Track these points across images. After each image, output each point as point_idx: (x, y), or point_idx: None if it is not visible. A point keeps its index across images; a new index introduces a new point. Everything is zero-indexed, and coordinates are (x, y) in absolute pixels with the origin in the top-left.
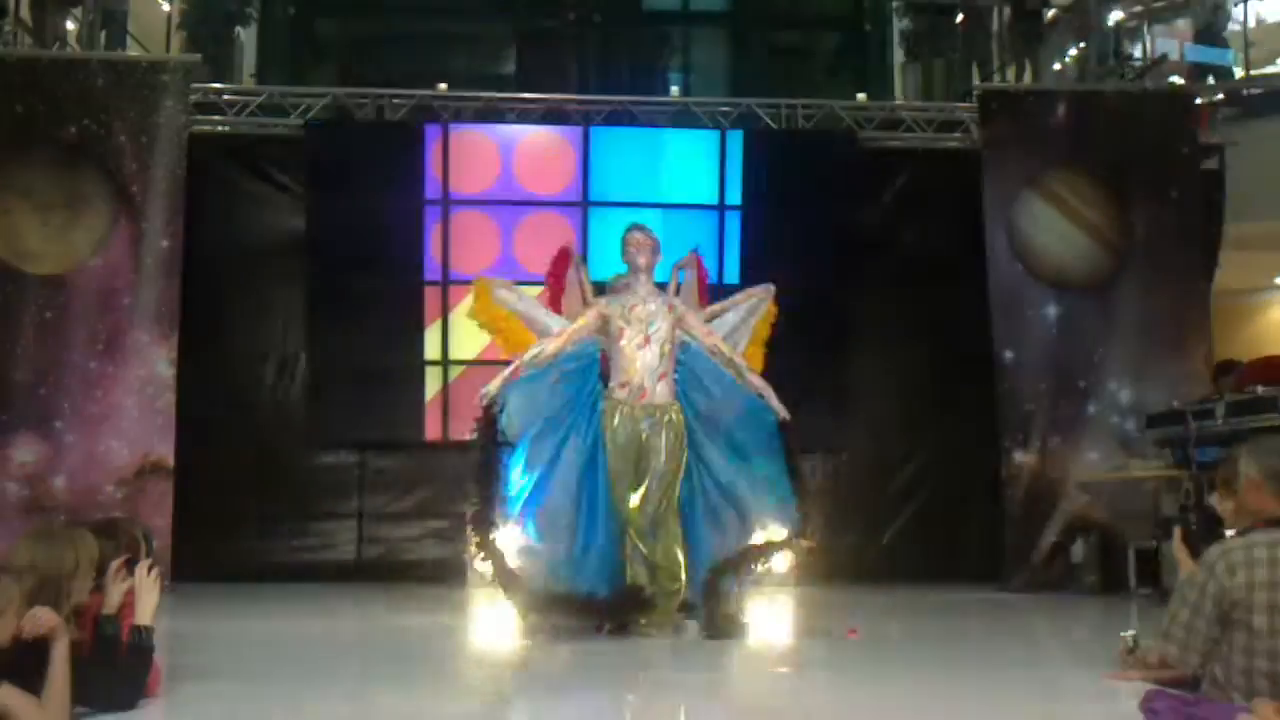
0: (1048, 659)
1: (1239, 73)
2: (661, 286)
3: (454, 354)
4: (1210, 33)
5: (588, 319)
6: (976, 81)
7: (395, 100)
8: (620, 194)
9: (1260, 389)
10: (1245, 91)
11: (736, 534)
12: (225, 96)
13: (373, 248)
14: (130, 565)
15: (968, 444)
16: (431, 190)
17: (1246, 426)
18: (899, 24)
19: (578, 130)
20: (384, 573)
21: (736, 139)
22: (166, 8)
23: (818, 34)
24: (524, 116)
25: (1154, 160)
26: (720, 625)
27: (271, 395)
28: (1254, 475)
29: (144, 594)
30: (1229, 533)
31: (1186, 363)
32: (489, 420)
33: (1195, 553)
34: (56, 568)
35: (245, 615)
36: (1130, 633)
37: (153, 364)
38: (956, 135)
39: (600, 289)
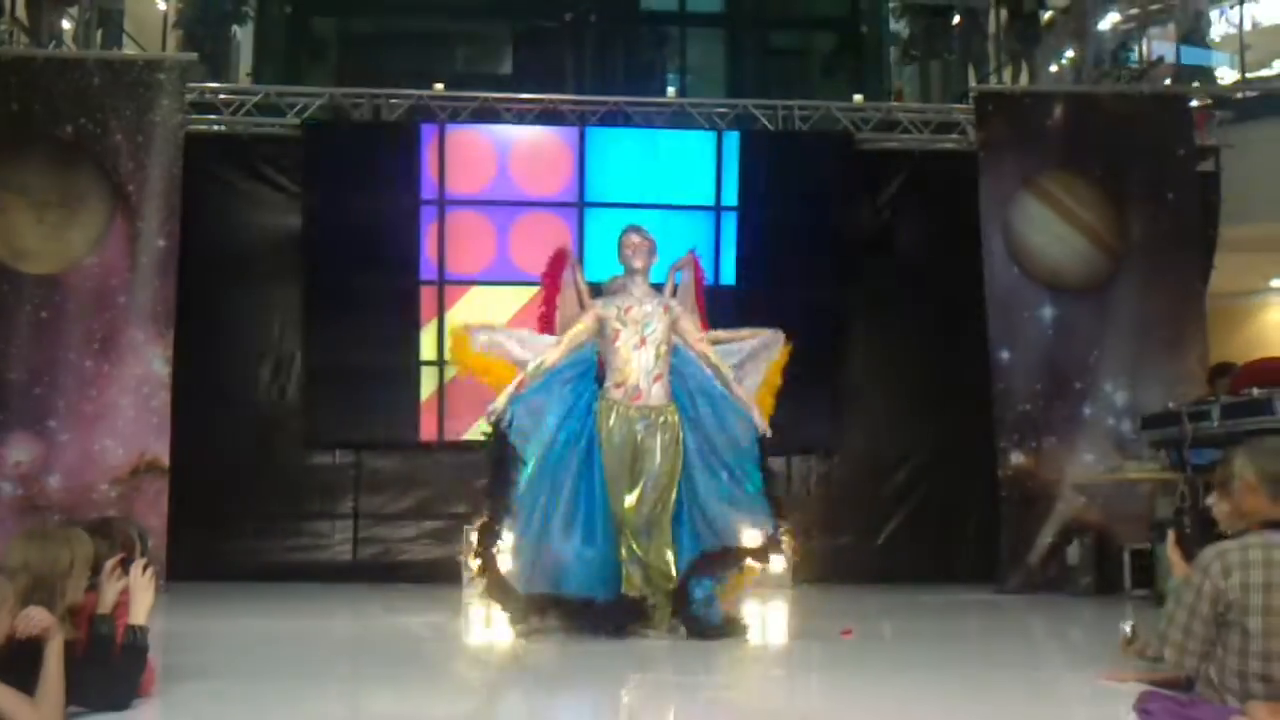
0: (1043, 660)
1: (1234, 76)
2: (658, 288)
3: (450, 355)
4: (1192, 40)
5: (585, 323)
6: (973, 83)
7: (392, 100)
8: (616, 195)
9: (1256, 391)
10: (1241, 94)
11: (709, 540)
12: (221, 96)
13: (369, 248)
14: (125, 565)
15: (963, 445)
16: (427, 190)
17: (1242, 429)
18: (895, 25)
19: (574, 131)
20: (379, 573)
21: (733, 140)
22: (162, 6)
23: (814, 35)
24: (520, 117)
25: (1150, 162)
26: (703, 626)
27: (267, 395)
28: (1249, 478)
29: (139, 593)
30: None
31: (1182, 365)
32: (499, 436)
33: (1189, 556)
34: (51, 567)
35: (240, 615)
36: (1129, 623)
37: (148, 363)
38: (953, 137)
39: (596, 290)
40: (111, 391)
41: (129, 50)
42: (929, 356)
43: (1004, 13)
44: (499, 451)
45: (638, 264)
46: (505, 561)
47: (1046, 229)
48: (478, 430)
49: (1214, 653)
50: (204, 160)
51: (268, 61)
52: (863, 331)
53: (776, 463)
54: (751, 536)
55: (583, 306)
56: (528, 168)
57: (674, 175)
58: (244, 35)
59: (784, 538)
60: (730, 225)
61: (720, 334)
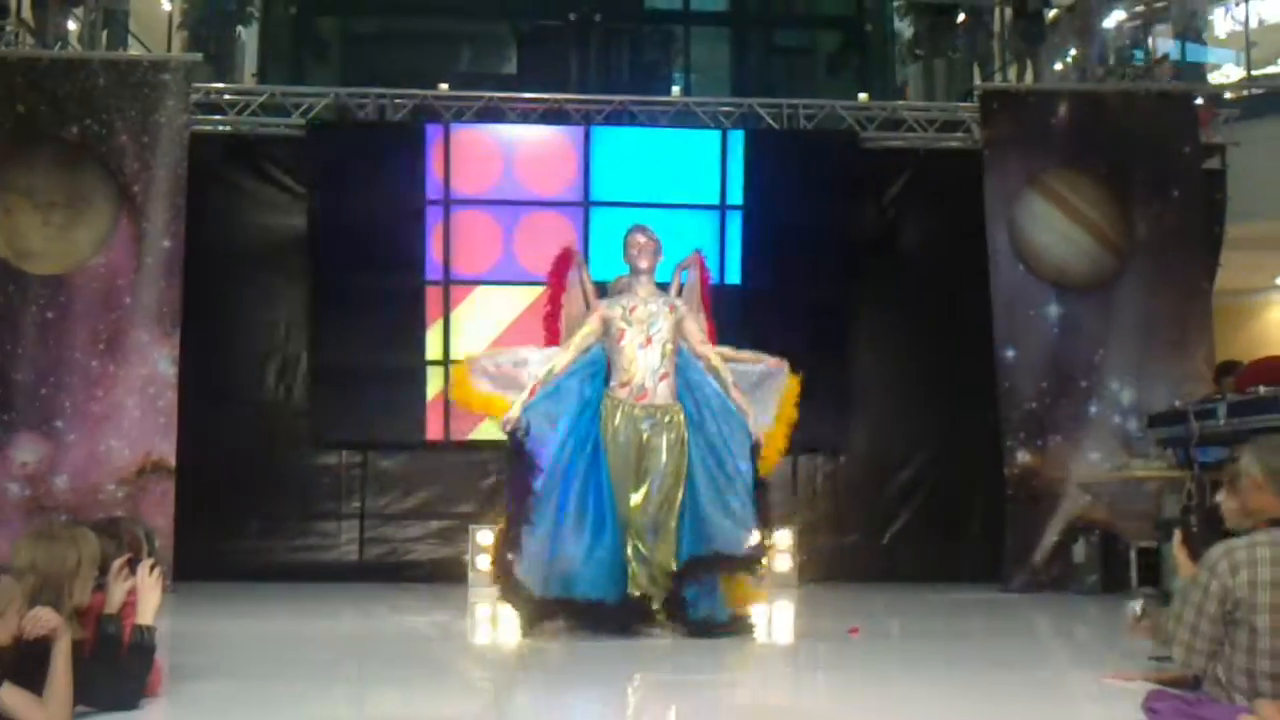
0: (1049, 659)
1: (1240, 73)
2: (663, 287)
3: (455, 354)
4: (1188, 37)
5: (591, 325)
6: (978, 81)
7: (396, 100)
8: (621, 194)
9: (1262, 389)
10: (1246, 92)
11: (700, 545)
12: (226, 96)
13: (374, 248)
14: (132, 565)
15: (969, 444)
16: (433, 190)
17: (1248, 426)
18: (900, 24)
19: (579, 130)
20: (386, 573)
21: (738, 139)
22: (168, 7)
23: (819, 34)
24: (525, 116)
25: (1155, 160)
26: (705, 625)
27: (273, 395)
28: (1256, 475)
29: (146, 593)
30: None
31: (1188, 363)
32: (514, 444)
33: (1195, 555)
34: (58, 568)
35: (247, 615)
36: (1138, 602)
37: (154, 363)
38: (958, 135)
39: (602, 289)
40: (117, 392)
41: (134, 51)
42: (934, 355)
43: (1009, 11)
44: (516, 460)
45: (643, 264)
46: (521, 566)
47: (1052, 227)
48: (483, 430)
49: (1221, 651)
50: (209, 161)
51: (273, 62)
52: (867, 330)
53: (782, 462)
54: (736, 545)
55: (588, 306)
56: (533, 167)
57: (679, 174)
58: (249, 35)
59: (768, 547)
60: (735, 224)
61: (726, 351)
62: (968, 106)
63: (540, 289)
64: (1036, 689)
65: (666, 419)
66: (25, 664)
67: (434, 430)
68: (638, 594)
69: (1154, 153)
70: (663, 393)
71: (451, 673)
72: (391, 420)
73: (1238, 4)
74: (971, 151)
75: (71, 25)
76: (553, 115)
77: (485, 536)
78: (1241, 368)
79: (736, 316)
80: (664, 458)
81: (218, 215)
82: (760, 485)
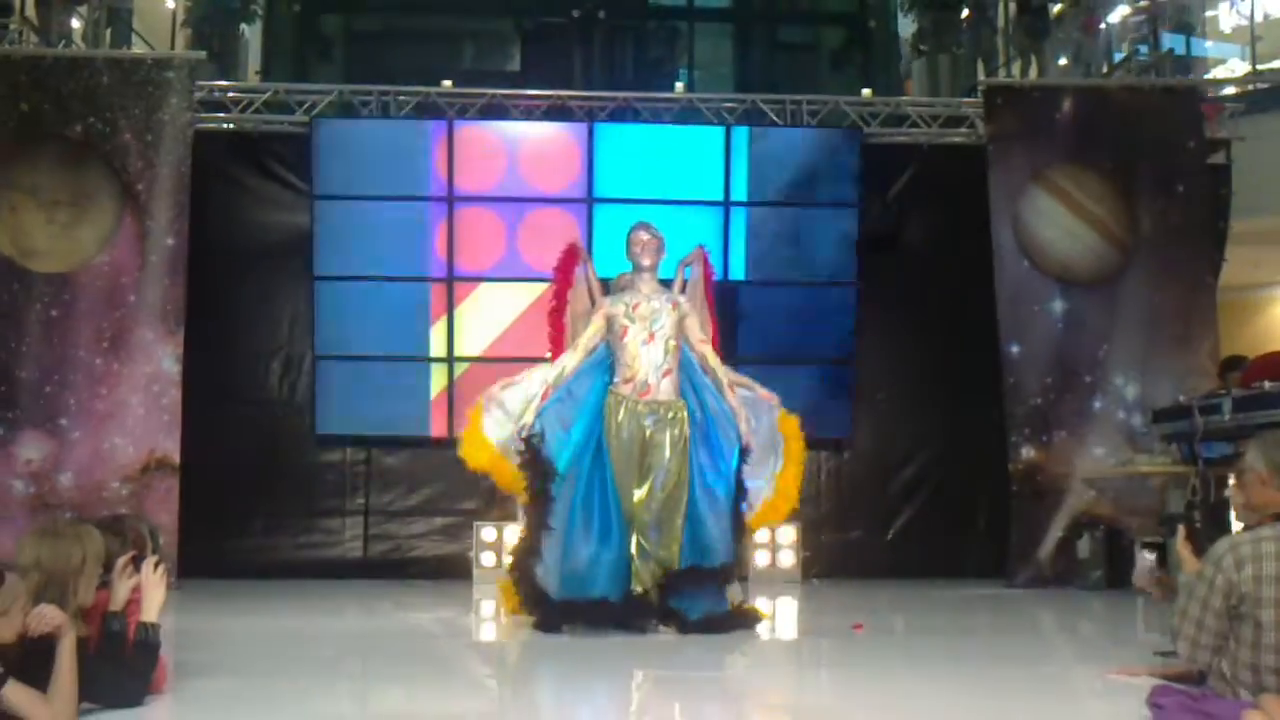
0: (1053, 655)
1: (1245, 67)
2: (666, 283)
3: (459, 351)
4: (1181, 32)
5: (596, 324)
6: (982, 77)
7: (400, 97)
8: (625, 191)
9: (1267, 384)
10: (1252, 86)
11: (693, 554)
12: (230, 94)
13: (378, 245)
14: (136, 562)
15: (973, 439)
16: (436, 187)
17: (1253, 422)
18: (904, 19)
19: (583, 127)
20: (390, 570)
21: (742, 135)
22: (171, 5)
23: (823, 30)
24: (529, 113)
25: (1160, 155)
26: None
27: (277, 392)
28: (1261, 470)
29: (150, 591)
30: (1236, 527)
31: (1193, 358)
32: (533, 452)
33: (1199, 550)
34: (63, 565)
35: (251, 612)
36: (1151, 555)
37: (158, 361)
38: (962, 131)
39: (605, 286)
40: (122, 390)
41: (138, 49)
42: (938, 350)
43: (1012, 6)
44: (532, 466)
45: (646, 261)
46: (540, 571)
47: (1056, 223)
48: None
49: (1226, 646)
50: (213, 158)
51: (276, 59)
52: (871, 326)
53: None
54: (714, 557)
55: (593, 302)
56: (536, 164)
57: (682, 171)
58: (252, 33)
59: (742, 558)
60: (739, 220)
61: (733, 376)
62: (971, 102)
63: (544, 286)
64: (1041, 685)
65: (670, 415)
66: (30, 661)
67: (438, 427)
68: (641, 591)
69: (1158, 148)
70: (666, 389)
71: (456, 669)
72: (395, 417)
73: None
74: (975, 147)
75: (75, 23)
76: (556, 112)
77: (489, 533)
78: (1246, 363)
79: (740, 313)
80: (667, 454)
81: (221, 213)
82: (740, 490)
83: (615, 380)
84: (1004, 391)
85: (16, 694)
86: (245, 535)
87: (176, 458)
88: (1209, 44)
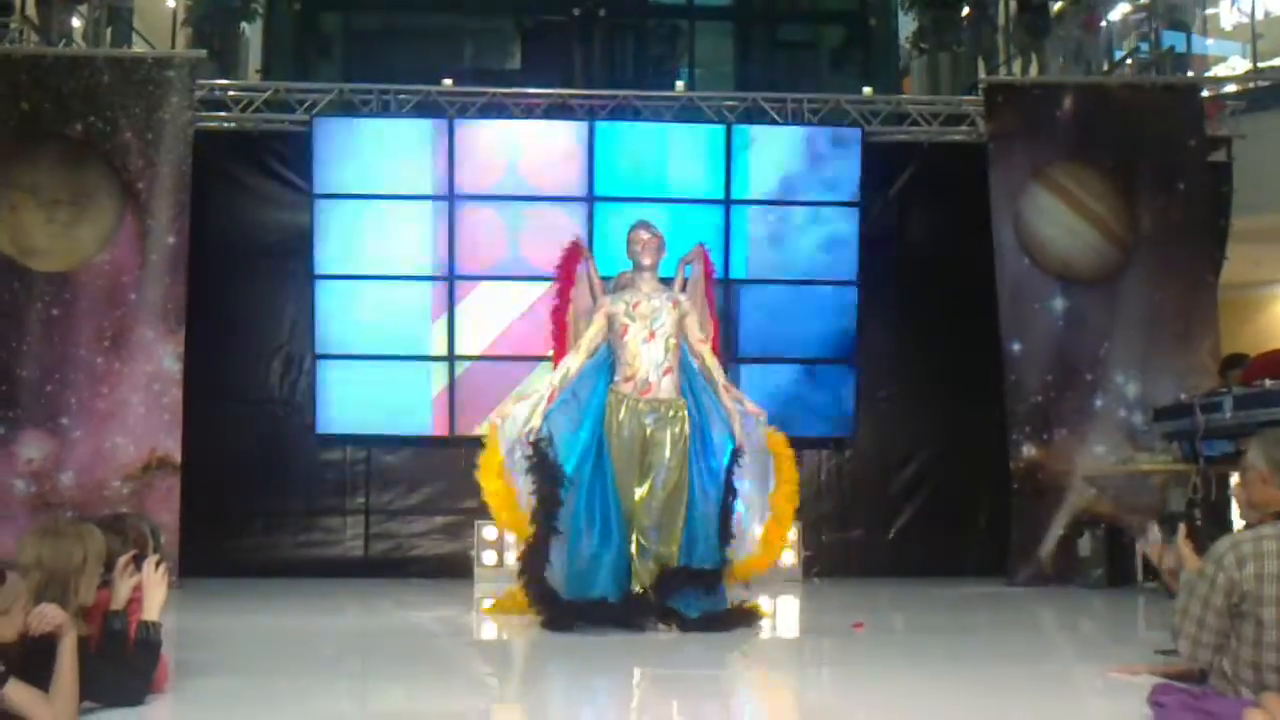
0: (1054, 653)
1: (1246, 65)
2: (666, 282)
3: (460, 349)
4: (1173, 29)
5: (598, 324)
6: (982, 75)
7: (400, 96)
8: (625, 189)
9: (1268, 382)
10: (1253, 84)
11: (690, 555)
12: (230, 92)
13: (378, 244)
14: (138, 561)
15: (974, 437)
16: (437, 186)
17: (1254, 420)
18: (904, 17)
19: (583, 126)
20: (391, 568)
21: (742, 134)
22: (171, 4)
23: (823, 28)
24: (529, 112)
25: (1161, 153)
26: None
27: (278, 391)
28: (1261, 468)
29: (151, 589)
30: (1238, 525)
31: (1194, 356)
32: (540, 455)
33: (1200, 549)
34: (64, 564)
35: (252, 611)
36: (1154, 526)
37: (159, 360)
38: (962, 129)
39: (606, 284)
40: (123, 389)
41: (138, 48)
42: (939, 349)
43: (1013, 4)
44: (540, 469)
45: (646, 260)
46: (549, 573)
47: (1057, 220)
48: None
49: (1228, 645)
50: (213, 157)
51: (277, 58)
52: (872, 324)
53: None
54: (703, 558)
55: (595, 300)
56: (537, 163)
57: (683, 169)
58: (253, 32)
59: (727, 560)
60: (740, 219)
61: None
62: (972, 100)
63: (543, 285)
64: (1042, 683)
65: (670, 413)
66: (31, 660)
67: (438, 425)
68: (640, 590)
69: (1159, 145)
70: (666, 387)
71: (456, 668)
72: (396, 416)
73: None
74: (976, 145)
75: (75, 22)
76: (557, 110)
77: (490, 531)
78: (1247, 361)
79: (741, 311)
80: (667, 453)
81: (222, 212)
82: (729, 491)
83: (616, 379)
84: (1006, 389)
85: (18, 693)
86: (246, 534)
87: (177, 457)
88: (1210, 41)
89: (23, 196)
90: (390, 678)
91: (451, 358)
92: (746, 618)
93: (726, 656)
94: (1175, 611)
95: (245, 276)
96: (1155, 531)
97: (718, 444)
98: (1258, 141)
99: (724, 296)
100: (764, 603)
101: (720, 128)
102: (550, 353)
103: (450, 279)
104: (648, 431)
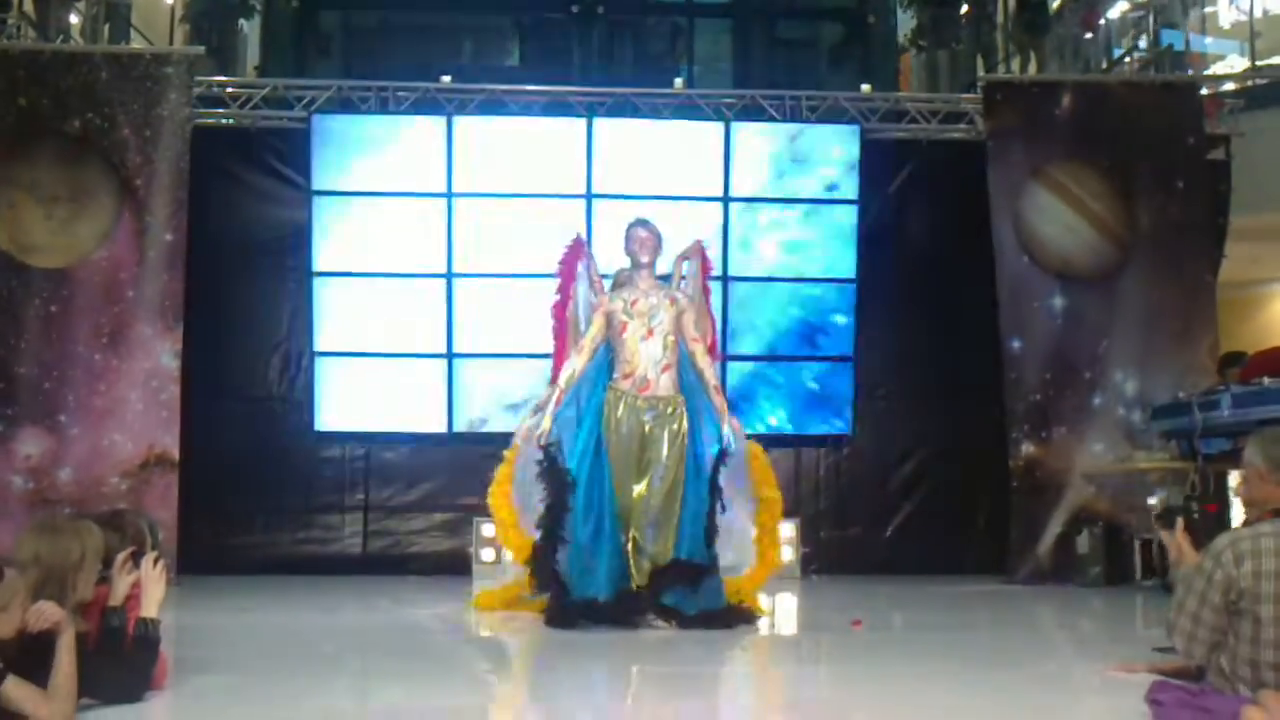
0: (1053, 651)
1: (1244, 63)
2: (664, 279)
3: (457, 347)
4: (1165, 27)
5: (598, 324)
6: (981, 72)
7: (399, 92)
8: (624, 186)
9: (1266, 380)
10: (1251, 82)
11: (683, 549)
12: (229, 89)
13: (377, 240)
14: (136, 558)
15: (972, 435)
16: (435, 183)
17: (1253, 418)
18: (903, 15)
19: (581, 123)
20: (390, 565)
21: (741, 131)
22: (169, 0)
23: (822, 25)
24: (527, 108)
25: (1159, 151)
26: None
27: (276, 388)
28: (1259, 466)
29: (150, 586)
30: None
31: (1192, 354)
32: (550, 460)
33: (1197, 544)
34: (62, 561)
35: (251, 608)
36: (1161, 496)
37: (157, 357)
38: (961, 126)
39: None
40: (121, 385)
41: (136, 44)
42: (937, 347)
43: (1012, 2)
44: (550, 473)
45: (644, 258)
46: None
47: (1056, 219)
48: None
49: (1225, 642)
50: (211, 154)
51: (275, 54)
52: (871, 322)
53: (786, 454)
54: (709, 552)
55: (595, 297)
56: (535, 160)
57: (682, 166)
58: (251, 28)
59: (711, 566)
60: (739, 216)
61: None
62: (971, 98)
63: (541, 282)
64: (1040, 681)
65: (669, 410)
66: (30, 657)
67: (436, 423)
68: (636, 587)
69: (1158, 144)
70: (665, 384)
71: (455, 665)
72: (394, 413)
73: None
74: (975, 143)
75: (73, 19)
76: (555, 107)
77: (488, 528)
78: (1246, 359)
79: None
80: (665, 450)
81: (220, 208)
82: (715, 490)
83: (615, 376)
84: (1005, 387)
85: (16, 690)
86: (244, 531)
87: (175, 453)
88: (1208, 40)
89: (21, 193)
90: (389, 675)
91: (450, 355)
92: (745, 615)
93: (725, 654)
94: (1171, 606)
95: (243, 273)
96: (1162, 500)
97: (704, 445)
98: (1256, 140)
99: (721, 294)
100: (762, 600)
101: (719, 125)
102: (550, 350)
103: (448, 276)
104: (646, 429)
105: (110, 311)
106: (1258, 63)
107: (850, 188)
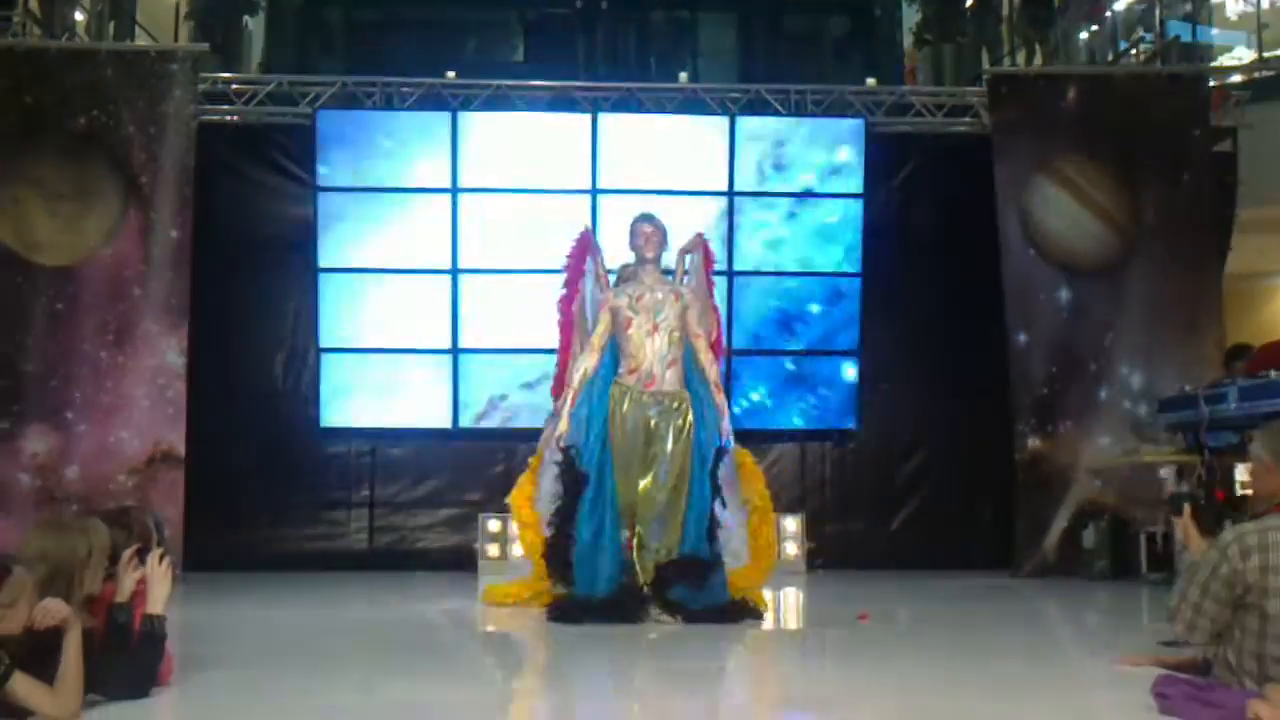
0: (1059, 645)
1: (1251, 55)
2: (669, 273)
3: (463, 342)
4: (1165, 18)
5: (605, 321)
6: (986, 65)
7: (403, 88)
8: (629, 181)
9: (1273, 373)
10: (1258, 74)
11: (688, 544)
12: (234, 86)
13: (381, 236)
14: (142, 554)
15: (978, 429)
16: (440, 179)
17: (1259, 411)
18: (909, 9)
19: (586, 118)
20: (395, 561)
21: (746, 125)
22: None
23: (827, 19)
24: (532, 104)
25: (1165, 143)
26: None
27: (282, 384)
28: (1265, 459)
29: (156, 583)
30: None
31: (1198, 347)
32: (569, 463)
33: (1204, 530)
34: (68, 557)
35: (257, 604)
36: (1169, 471)
37: (163, 354)
38: (966, 120)
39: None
40: (127, 382)
41: (141, 41)
42: (943, 340)
43: None
44: (568, 473)
45: (649, 253)
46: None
47: (1062, 212)
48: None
49: (1231, 635)
50: (217, 151)
51: (279, 51)
52: (876, 316)
53: (791, 449)
54: (714, 548)
55: (601, 293)
56: (540, 155)
57: (686, 161)
58: (255, 25)
59: (717, 563)
60: (743, 210)
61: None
62: (976, 91)
63: (547, 277)
64: (1046, 675)
65: (674, 405)
66: (37, 652)
67: (442, 419)
68: (640, 582)
69: (1164, 136)
70: (670, 379)
71: (461, 660)
72: (400, 409)
73: None
74: (980, 136)
75: (78, 16)
76: (560, 102)
77: (494, 524)
78: (1252, 352)
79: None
80: (670, 445)
81: (225, 205)
82: (715, 491)
83: (620, 371)
84: (1011, 381)
85: (23, 686)
86: (250, 528)
87: (181, 450)
88: (1215, 31)
89: (26, 191)
90: (394, 670)
91: (455, 350)
92: (748, 610)
93: (730, 648)
94: (1173, 594)
95: (249, 270)
96: (1170, 478)
97: (706, 440)
98: (1263, 132)
99: (727, 288)
100: (767, 595)
101: (724, 119)
102: (555, 345)
103: (453, 272)
104: (651, 424)
105: (116, 309)
106: (1264, 54)
107: (854, 182)
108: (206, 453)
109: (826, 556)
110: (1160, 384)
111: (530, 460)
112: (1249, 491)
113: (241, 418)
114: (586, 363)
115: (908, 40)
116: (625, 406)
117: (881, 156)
